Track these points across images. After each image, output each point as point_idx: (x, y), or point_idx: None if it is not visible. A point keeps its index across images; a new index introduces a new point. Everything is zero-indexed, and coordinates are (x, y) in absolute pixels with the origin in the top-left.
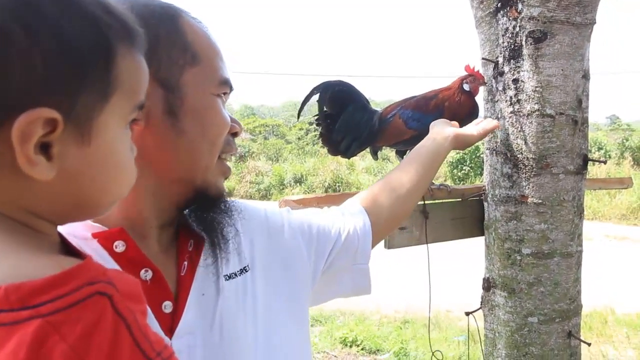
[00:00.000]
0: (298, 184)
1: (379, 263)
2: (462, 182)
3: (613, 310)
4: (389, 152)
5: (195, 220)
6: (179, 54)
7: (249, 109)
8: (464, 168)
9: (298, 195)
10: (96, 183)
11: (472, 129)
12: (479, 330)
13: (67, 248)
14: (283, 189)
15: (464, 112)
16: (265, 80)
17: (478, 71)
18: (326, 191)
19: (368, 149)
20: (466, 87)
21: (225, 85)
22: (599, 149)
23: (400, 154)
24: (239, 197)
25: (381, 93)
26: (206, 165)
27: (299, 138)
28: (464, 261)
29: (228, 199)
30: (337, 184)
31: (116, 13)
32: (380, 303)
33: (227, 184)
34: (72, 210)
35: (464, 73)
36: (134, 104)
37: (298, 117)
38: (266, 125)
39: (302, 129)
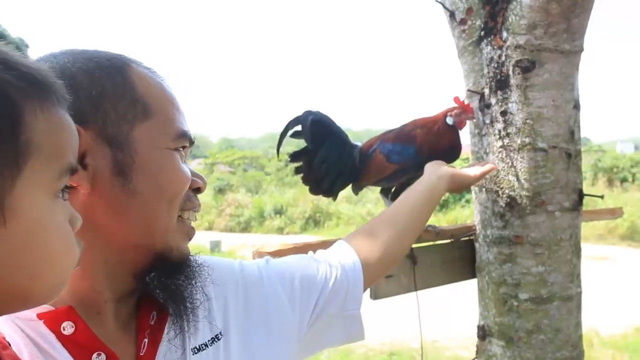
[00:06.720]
0: (278, 216)
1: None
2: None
3: (597, 332)
4: None
5: (158, 287)
6: (128, 107)
7: (227, 141)
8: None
9: (274, 246)
10: (22, 269)
11: (470, 170)
12: None
13: None
14: (263, 221)
15: (443, 146)
16: (244, 112)
17: (468, 104)
18: (306, 222)
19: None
20: (450, 120)
21: (182, 138)
22: None
23: (385, 192)
24: (219, 230)
25: (359, 122)
26: (165, 227)
27: (278, 169)
28: (451, 289)
29: (194, 260)
30: (318, 214)
31: (19, 68)
32: (365, 335)
33: (207, 218)
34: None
35: (451, 104)
36: (59, 168)
37: (278, 153)
38: (245, 158)
39: (282, 161)
